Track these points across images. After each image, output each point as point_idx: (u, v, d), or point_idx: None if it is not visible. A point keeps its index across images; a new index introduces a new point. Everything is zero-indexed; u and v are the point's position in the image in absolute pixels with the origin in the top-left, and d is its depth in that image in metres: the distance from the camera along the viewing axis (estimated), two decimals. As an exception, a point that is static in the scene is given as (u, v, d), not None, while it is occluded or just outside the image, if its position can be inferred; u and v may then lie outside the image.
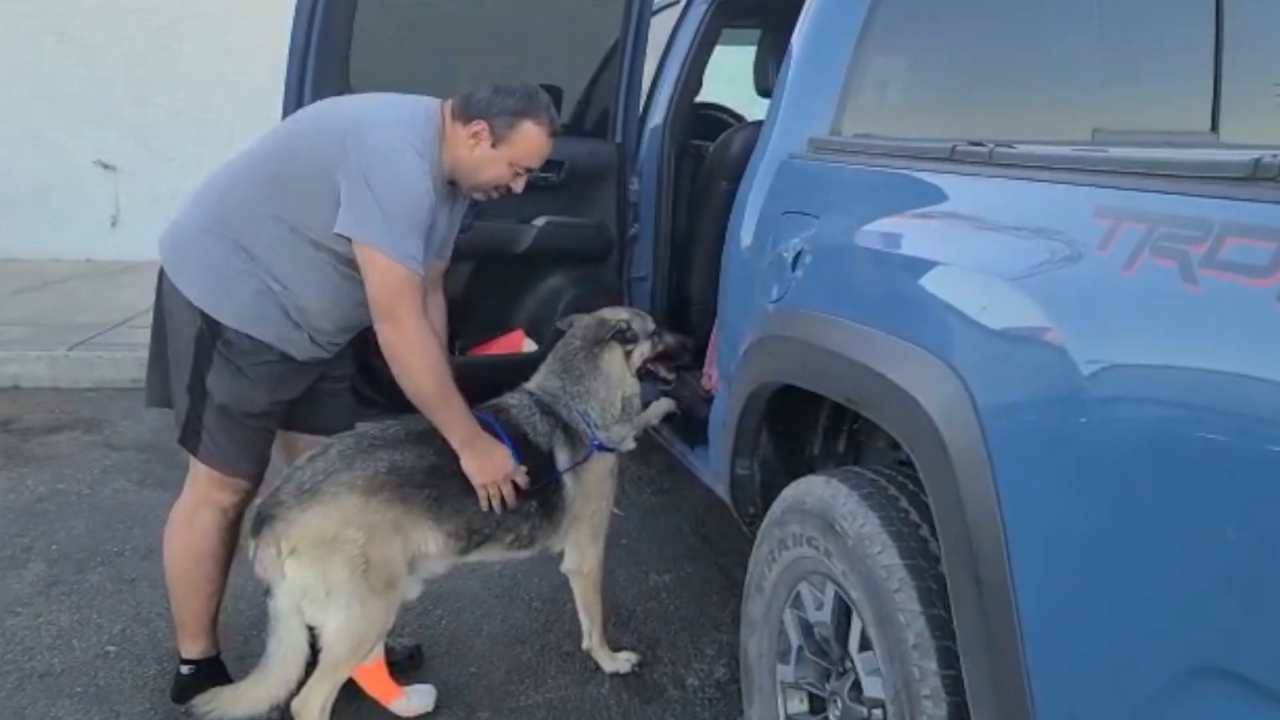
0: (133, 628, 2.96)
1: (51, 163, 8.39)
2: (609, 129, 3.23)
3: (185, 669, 2.55)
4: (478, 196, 2.49)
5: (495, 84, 2.35)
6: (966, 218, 1.68)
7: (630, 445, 2.65)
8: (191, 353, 2.32)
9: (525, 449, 2.44)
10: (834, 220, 1.97)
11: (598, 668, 2.79)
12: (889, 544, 1.68)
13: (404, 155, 2.24)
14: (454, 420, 2.30)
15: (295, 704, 2.26)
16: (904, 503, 1.74)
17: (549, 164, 2.61)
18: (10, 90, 8.30)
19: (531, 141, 2.35)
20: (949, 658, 1.54)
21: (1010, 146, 1.63)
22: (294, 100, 2.73)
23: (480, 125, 2.32)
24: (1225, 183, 1.21)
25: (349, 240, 2.23)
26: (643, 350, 2.64)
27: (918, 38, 2.33)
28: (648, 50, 3.23)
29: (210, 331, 2.30)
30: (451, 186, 2.42)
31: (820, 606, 1.91)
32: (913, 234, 1.75)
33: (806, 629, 1.97)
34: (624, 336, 2.60)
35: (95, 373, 5.35)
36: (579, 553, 2.66)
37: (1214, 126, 2.46)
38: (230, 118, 7.99)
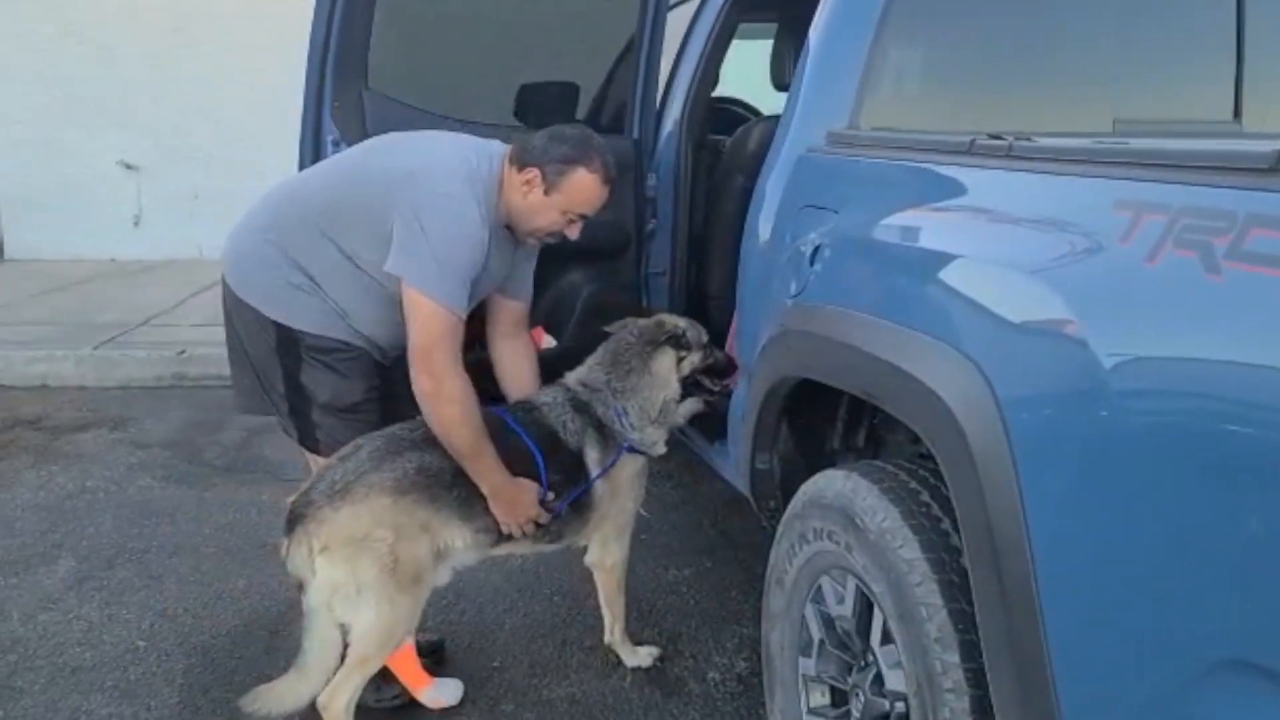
0: (161, 623, 3.00)
1: (72, 164, 8.49)
2: (626, 125, 3.23)
3: None
4: (531, 242, 2.49)
5: (553, 129, 2.38)
6: (987, 211, 1.68)
7: (661, 449, 2.65)
8: (277, 360, 2.37)
9: (554, 447, 2.45)
10: (852, 214, 1.97)
11: (619, 662, 2.80)
12: (910, 538, 1.68)
13: (463, 202, 2.26)
14: (483, 471, 2.31)
15: (321, 699, 2.29)
16: (925, 496, 1.74)
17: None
18: (31, 93, 8.39)
19: (584, 189, 2.36)
20: (971, 651, 1.54)
21: (1029, 139, 1.62)
22: (314, 98, 2.74)
23: (533, 172, 2.34)
24: (1249, 174, 1.20)
25: (392, 278, 2.27)
26: (693, 360, 2.64)
27: (935, 30, 2.32)
28: (664, 45, 3.23)
29: (289, 338, 2.35)
30: (509, 231, 2.44)
31: (841, 600, 1.91)
32: (932, 228, 1.74)
33: (828, 622, 1.97)
34: (679, 341, 2.61)
35: (120, 371, 5.41)
36: (603, 548, 2.67)
37: (1237, 115, 2.44)
38: (247, 116, 8.08)
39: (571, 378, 2.62)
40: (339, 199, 2.35)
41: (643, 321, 2.67)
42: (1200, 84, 2.45)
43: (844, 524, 1.83)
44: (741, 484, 2.41)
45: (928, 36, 2.31)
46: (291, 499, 2.31)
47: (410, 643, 2.52)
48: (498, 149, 2.40)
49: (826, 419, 2.26)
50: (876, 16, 2.21)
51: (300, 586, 2.27)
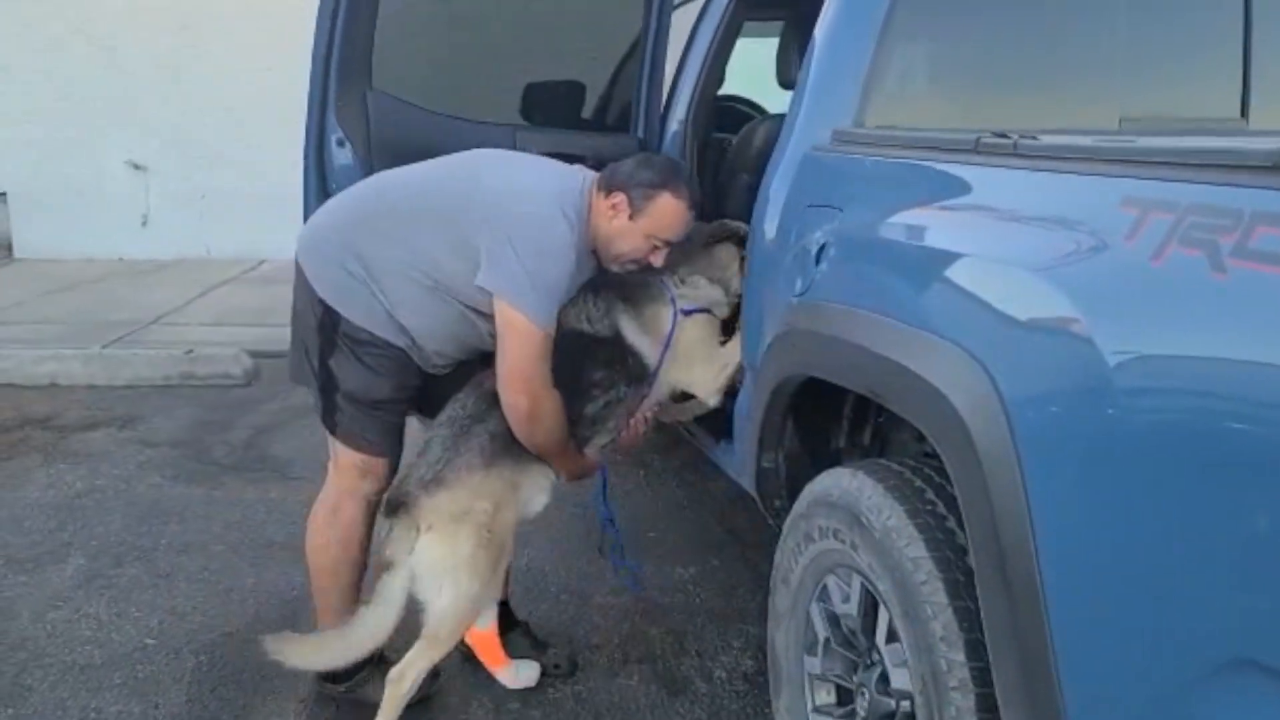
0: (170, 621, 3.01)
1: (81, 164, 8.51)
2: (631, 123, 3.23)
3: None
4: (614, 269, 2.47)
5: (640, 156, 2.43)
6: (991, 210, 1.68)
7: (724, 310, 2.61)
8: (317, 340, 2.39)
9: (586, 347, 2.45)
10: (857, 213, 1.96)
11: (626, 660, 2.80)
12: (916, 536, 1.68)
13: (555, 223, 2.28)
14: (562, 465, 2.45)
15: (393, 674, 2.37)
16: (930, 495, 1.74)
17: (571, 159, 2.61)
18: (38, 92, 8.42)
19: (669, 214, 2.37)
20: (977, 649, 1.54)
21: (1035, 138, 1.62)
22: (318, 98, 2.75)
23: (619, 197, 2.36)
24: (1254, 172, 1.20)
25: (483, 293, 2.27)
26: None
27: (941, 27, 2.31)
28: (669, 44, 3.23)
29: (330, 320, 2.37)
30: (592, 257, 2.44)
31: (847, 599, 1.91)
32: (937, 226, 1.74)
33: (833, 621, 1.97)
34: (741, 240, 2.60)
35: (129, 370, 5.42)
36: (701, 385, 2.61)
37: (1244, 113, 2.43)
38: (254, 116, 8.09)
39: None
40: (427, 206, 2.35)
41: (707, 225, 2.68)
42: (1207, 82, 2.44)
43: (849, 522, 1.83)
44: (747, 483, 2.41)
45: (933, 34, 2.30)
46: (387, 493, 2.41)
47: (494, 623, 2.60)
48: (588, 176, 2.42)
49: (832, 418, 2.26)
50: (882, 14, 2.20)
51: (388, 566, 2.35)
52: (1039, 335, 1.42)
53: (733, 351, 2.53)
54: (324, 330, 2.38)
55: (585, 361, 2.45)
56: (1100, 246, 1.38)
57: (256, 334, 6.04)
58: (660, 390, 2.58)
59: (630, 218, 2.36)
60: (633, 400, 2.53)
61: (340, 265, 2.35)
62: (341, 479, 2.51)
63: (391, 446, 2.50)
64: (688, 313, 2.55)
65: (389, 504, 2.36)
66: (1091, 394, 1.32)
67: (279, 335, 5.86)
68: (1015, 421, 1.41)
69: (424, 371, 2.48)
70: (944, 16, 2.30)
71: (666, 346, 2.51)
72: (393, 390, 2.43)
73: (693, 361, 2.57)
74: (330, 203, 2.47)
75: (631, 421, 2.57)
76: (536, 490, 2.47)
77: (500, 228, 2.25)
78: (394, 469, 2.51)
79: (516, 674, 2.66)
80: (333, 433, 2.47)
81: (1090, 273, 1.37)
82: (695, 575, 3.32)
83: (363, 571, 2.57)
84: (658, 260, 2.44)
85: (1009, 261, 1.51)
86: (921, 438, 2.14)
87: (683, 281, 2.57)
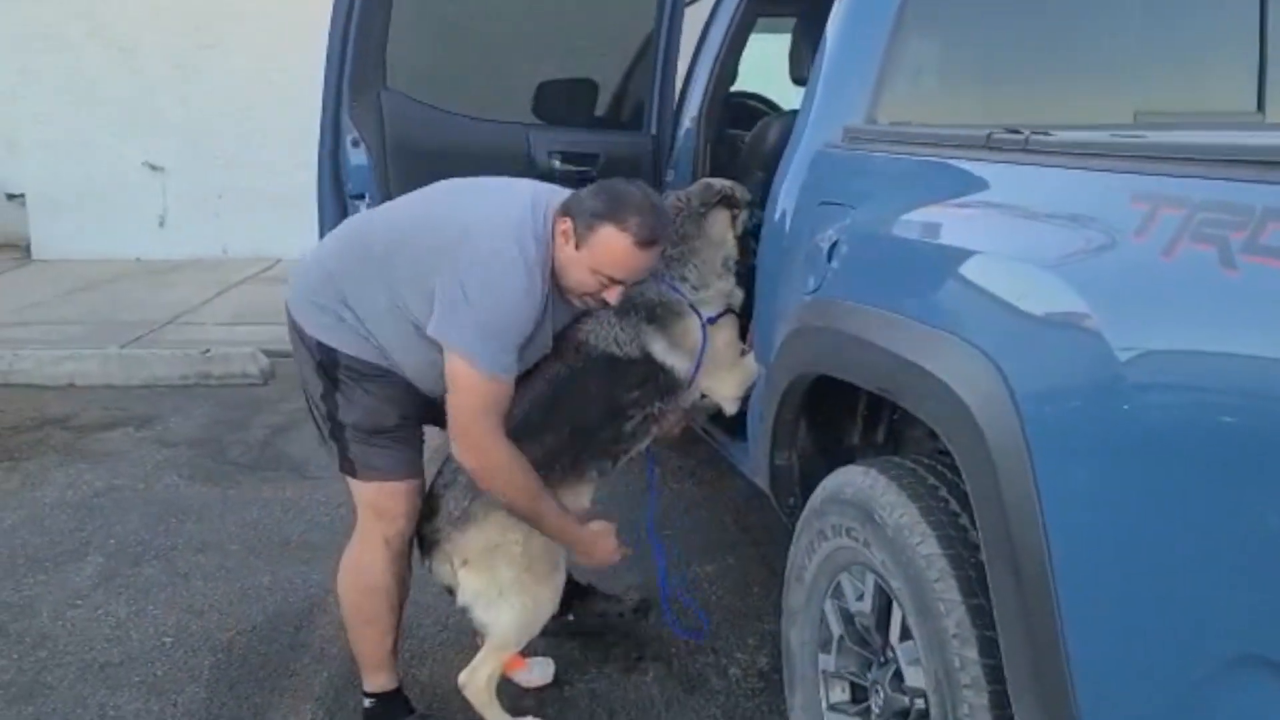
0: (187, 619, 3.03)
1: (98, 164, 8.58)
2: (644, 121, 3.24)
3: (368, 702, 2.51)
4: (576, 303, 2.33)
5: (604, 182, 2.26)
6: (1003, 206, 1.67)
7: (739, 296, 2.57)
8: (320, 383, 2.31)
9: (617, 370, 2.39)
10: (869, 210, 1.96)
11: (640, 658, 2.81)
12: (929, 534, 1.68)
13: (512, 263, 2.14)
14: (551, 530, 2.33)
15: (462, 678, 2.43)
16: (943, 492, 1.74)
17: (584, 157, 2.61)
18: (56, 94, 8.49)
19: (610, 248, 2.17)
20: (990, 647, 1.54)
21: (1046, 133, 1.61)
22: (332, 99, 2.76)
23: (568, 223, 2.20)
24: (1265, 167, 1.20)
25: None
26: (743, 218, 2.58)
27: (952, 23, 2.30)
28: (682, 41, 3.23)
29: (329, 358, 2.28)
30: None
31: (860, 596, 1.91)
32: (948, 223, 1.74)
33: (847, 619, 1.97)
34: (730, 201, 2.55)
35: (147, 370, 5.46)
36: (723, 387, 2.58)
37: (1260, 107, 2.41)
38: (270, 116, 8.14)
39: None
40: (399, 245, 2.25)
41: (690, 187, 2.63)
42: (1224, 76, 2.42)
43: (863, 520, 1.83)
44: (761, 481, 2.41)
45: (945, 30, 2.30)
46: (421, 531, 2.43)
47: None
48: (554, 199, 2.27)
49: (846, 415, 2.25)
50: (893, 11, 2.20)
51: (450, 590, 2.47)
52: (1049, 331, 1.42)
53: (754, 364, 2.52)
54: (324, 369, 2.29)
55: (619, 383, 2.40)
56: (1111, 243, 1.37)
57: (273, 333, 6.04)
58: (694, 393, 2.55)
59: (575, 247, 2.19)
60: (668, 411, 2.50)
61: (334, 314, 2.27)
62: (360, 525, 2.43)
63: (409, 471, 2.39)
64: (712, 320, 2.51)
65: (424, 542, 2.41)
66: (1102, 390, 1.32)
67: (295, 335, 5.95)
68: (1026, 418, 1.41)
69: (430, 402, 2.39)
70: (955, 12, 2.30)
71: (699, 365, 2.46)
72: (400, 417, 2.34)
73: (718, 369, 2.53)
74: (317, 250, 2.39)
75: (664, 425, 2.55)
76: (585, 498, 2.50)
77: (454, 270, 2.13)
78: (416, 500, 2.41)
79: (532, 673, 2.68)
80: (353, 476, 2.36)
81: (1101, 269, 1.37)
82: (711, 573, 3.32)
83: (395, 626, 2.48)
84: (612, 298, 2.25)
85: (1019, 258, 1.51)
86: (935, 434, 2.14)
87: (694, 287, 2.49)
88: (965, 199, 1.74)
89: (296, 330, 2.34)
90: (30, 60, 8.47)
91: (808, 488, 2.24)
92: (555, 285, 2.26)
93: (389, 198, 2.79)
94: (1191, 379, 1.23)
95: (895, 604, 1.79)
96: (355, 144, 2.77)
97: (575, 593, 2.85)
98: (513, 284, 2.14)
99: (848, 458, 2.28)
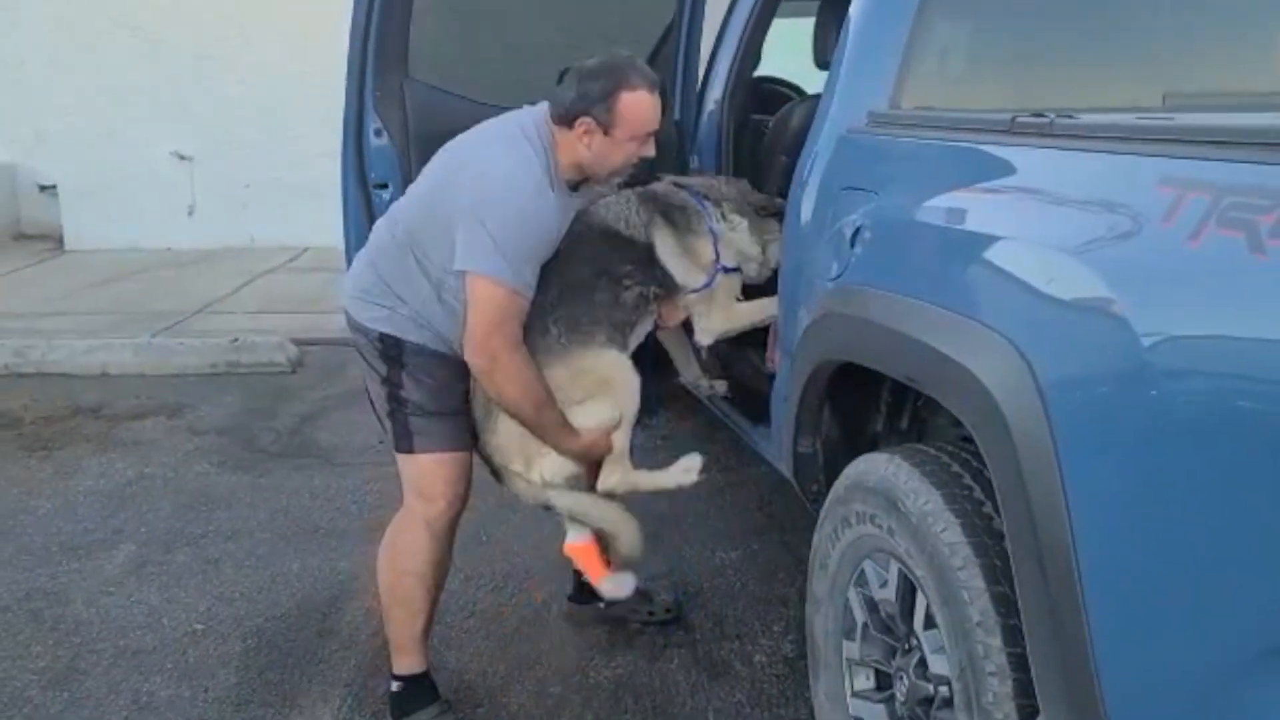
0: (218, 607, 3.07)
1: (127, 154, 8.64)
2: (667, 106, 3.21)
3: (395, 685, 2.53)
4: (618, 180, 2.45)
5: (573, 74, 2.28)
6: (1027, 190, 1.65)
7: (754, 269, 2.66)
8: (384, 368, 2.36)
9: (618, 245, 2.47)
10: (893, 196, 1.94)
11: (666, 645, 2.82)
12: (952, 521, 1.67)
13: (516, 173, 2.22)
14: (552, 439, 2.37)
15: (601, 486, 2.46)
16: (967, 480, 1.72)
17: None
18: (84, 84, 8.56)
19: (637, 109, 2.26)
20: (1014, 635, 1.53)
21: (1071, 117, 1.59)
22: (355, 88, 2.77)
23: (585, 122, 2.25)
24: (1294, 149, 1.18)
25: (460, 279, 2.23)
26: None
27: (978, 5, 2.28)
28: (705, 25, 3.21)
29: (395, 345, 2.35)
30: (573, 188, 2.39)
31: (884, 584, 1.91)
32: (972, 208, 1.72)
33: (871, 606, 1.97)
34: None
35: (177, 359, 5.51)
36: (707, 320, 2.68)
37: (1292, 85, 2.37)
38: (296, 105, 8.15)
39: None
40: (417, 223, 2.32)
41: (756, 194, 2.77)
42: (1255, 56, 2.37)
43: (886, 508, 1.82)
44: (785, 467, 2.40)
45: (969, 13, 2.27)
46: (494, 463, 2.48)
47: (592, 537, 2.55)
48: (540, 115, 2.33)
49: (870, 402, 2.24)
50: (917, -5, 2.18)
51: (547, 507, 2.50)
52: (1074, 318, 1.40)
53: (746, 312, 2.62)
54: (387, 355, 2.36)
55: (615, 255, 2.47)
56: (1137, 228, 1.35)
57: (301, 321, 6.12)
58: (683, 301, 2.61)
59: (606, 134, 2.26)
60: (665, 299, 2.57)
61: (390, 308, 2.34)
62: (406, 506, 2.47)
63: (461, 445, 2.44)
64: (726, 270, 2.60)
65: (495, 474, 2.47)
66: (1127, 378, 1.30)
67: (323, 323, 6.03)
68: (1050, 406, 1.39)
69: None
70: (980, -5, 2.26)
71: (702, 286, 2.56)
72: (461, 398, 2.41)
73: (710, 302, 2.62)
74: (364, 252, 2.45)
75: (664, 313, 2.60)
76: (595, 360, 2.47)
77: (464, 208, 2.21)
78: (461, 485, 2.45)
79: (616, 584, 2.59)
80: (410, 451, 2.40)
81: (1127, 254, 1.35)
82: (736, 560, 3.33)
83: (429, 609, 2.51)
84: (649, 150, 2.35)
85: (1043, 244, 1.49)
86: (958, 422, 2.13)
87: (725, 217, 2.59)
88: (989, 184, 1.72)
89: (358, 327, 2.40)
90: (58, 52, 8.54)
91: (831, 474, 2.24)
92: (564, 189, 2.34)
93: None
94: (1219, 366, 1.22)
95: (919, 591, 1.78)
96: (379, 134, 2.77)
97: None
98: (521, 190, 2.22)
99: (871, 444, 2.28)
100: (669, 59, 3.20)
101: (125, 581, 3.22)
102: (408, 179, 2.80)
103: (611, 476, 2.45)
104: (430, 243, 2.28)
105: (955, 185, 1.78)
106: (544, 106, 2.34)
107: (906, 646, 1.87)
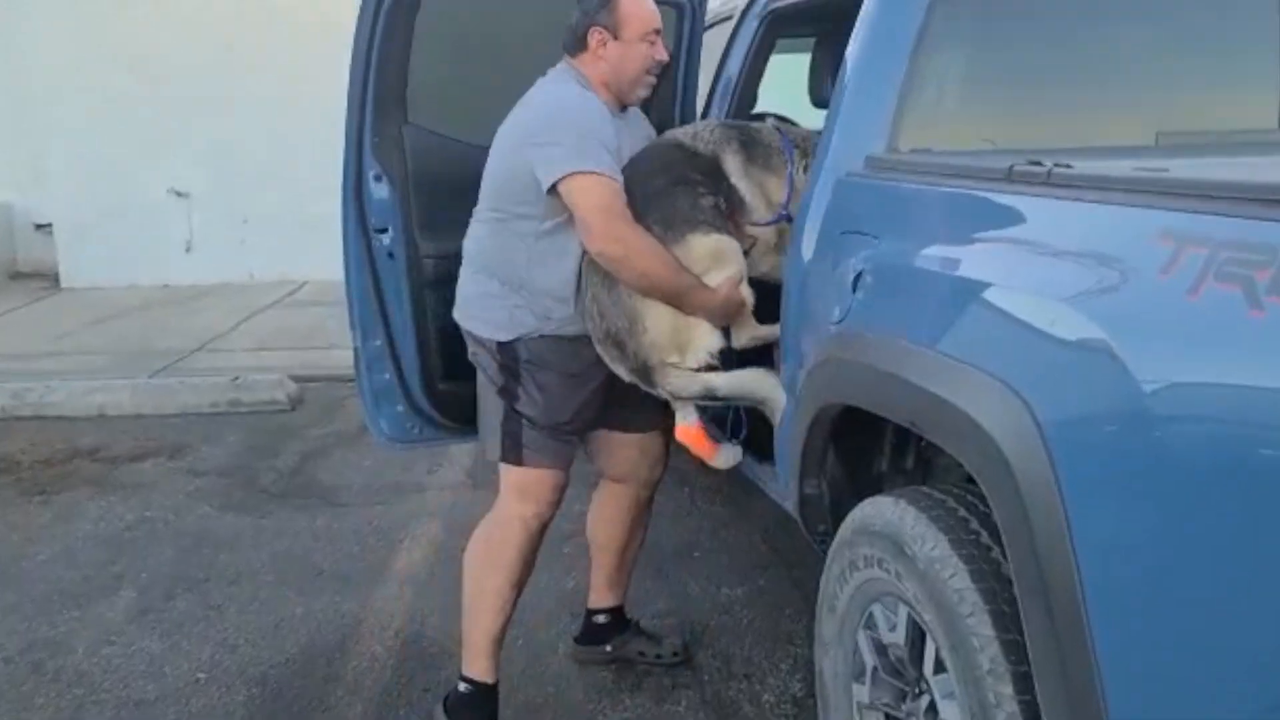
0: (221, 654, 3.05)
1: (124, 190, 8.68)
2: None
3: (463, 686, 2.62)
4: (642, 92, 2.53)
5: (576, 6, 2.46)
6: (1027, 239, 1.66)
7: None
8: (501, 379, 2.51)
9: (687, 155, 2.53)
10: (893, 241, 1.96)
11: (674, 686, 2.81)
12: (960, 567, 1.67)
13: (561, 93, 2.41)
14: (692, 302, 2.40)
15: (738, 344, 2.52)
16: (974, 525, 1.73)
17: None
18: (85, 121, 8.59)
19: (636, 8, 2.43)
20: (1025, 682, 1.53)
21: (1068, 166, 1.60)
22: (355, 134, 2.78)
23: (595, 35, 2.41)
24: (1287, 206, 1.19)
25: (554, 196, 2.32)
26: None
27: (974, 47, 2.30)
28: (701, 65, 3.23)
29: (511, 354, 2.48)
30: (621, 110, 2.52)
31: (894, 628, 1.91)
32: (972, 256, 1.73)
33: (880, 650, 1.96)
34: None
35: (177, 399, 5.51)
36: None
37: (1282, 123, 2.40)
38: (296, 140, 8.19)
39: None
40: (497, 183, 2.47)
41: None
42: (1244, 94, 2.40)
43: (894, 552, 1.82)
44: (791, 508, 2.40)
45: (965, 56, 2.29)
46: (633, 369, 2.48)
47: (699, 419, 2.60)
48: (560, 66, 2.50)
49: (874, 442, 2.25)
50: (912, 38, 2.19)
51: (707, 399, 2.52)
52: (1076, 367, 1.40)
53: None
54: (505, 367, 2.49)
55: (687, 165, 2.51)
56: (1137, 279, 1.37)
57: (300, 358, 6.14)
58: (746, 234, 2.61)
59: (616, 37, 2.41)
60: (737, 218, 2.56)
61: (505, 307, 2.47)
62: (502, 502, 2.59)
63: (565, 463, 2.58)
64: (789, 220, 2.57)
65: (644, 378, 2.47)
66: (1130, 427, 1.31)
67: (323, 359, 6.04)
68: (1054, 451, 1.40)
69: (598, 394, 2.57)
70: (976, 36, 2.29)
71: (772, 221, 2.58)
72: (571, 413, 2.53)
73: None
74: (464, 269, 2.58)
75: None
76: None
77: (533, 139, 2.35)
78: (559, 493, 2.59)
79: (728, 455, 2.66)
80: (517, 464, 2.53)
81: (1128, 305, 1.36)
82: (742, 596, 3.32)
83: (509, 613, 2.61)
84: (660, 53, 2.49)
85: (1044, 292, 1.49)
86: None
87: (805, 154, 2.59)
88: (988, 232, 1.73)
89: (478, 340, 2.53)
90: (58, 89, 8.57)
91: (837, 515, 2.24)
92: (619, 113, 2.48)
93: (410, 230, 2.83)
94: (1221, 416, 1.23)
95: (929, 636, 1.78)
96: (378, 179, 2.78)
97: (617, 626, 2.90)
98: (566, 98, 2.40)
99: (876, 484, 2.28)
100: (666, 97, 3.21)
101: (127, 629, 3.21)
102: (408, 223, 2.83)
103: (743, 334, 2.52)
104: (517, 196, 2.40)
105: (955, 232, 1.80)
106: (560, 64, 2.50)
107: (917, 691, 1.86)
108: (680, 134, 2.64)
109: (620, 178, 2.35)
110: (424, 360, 2.86)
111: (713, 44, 3.32)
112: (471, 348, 2.57)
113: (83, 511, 4.15)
